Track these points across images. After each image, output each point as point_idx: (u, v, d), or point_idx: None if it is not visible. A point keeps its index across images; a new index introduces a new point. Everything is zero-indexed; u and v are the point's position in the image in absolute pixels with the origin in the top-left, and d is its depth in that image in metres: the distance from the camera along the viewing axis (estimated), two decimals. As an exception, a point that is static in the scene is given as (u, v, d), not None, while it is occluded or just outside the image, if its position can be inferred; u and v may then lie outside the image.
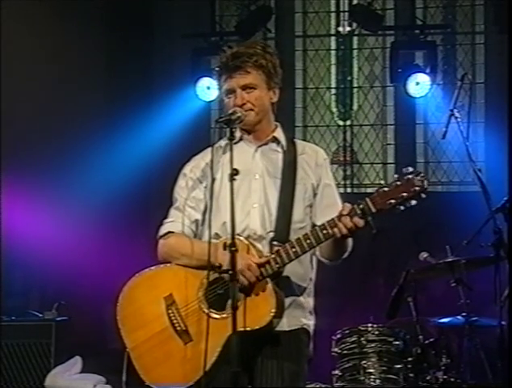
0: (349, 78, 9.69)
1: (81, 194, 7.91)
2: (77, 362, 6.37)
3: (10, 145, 7.31)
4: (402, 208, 3.28)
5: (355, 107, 9.76)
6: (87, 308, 7.66)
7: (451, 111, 5.03)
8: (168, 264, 3.59)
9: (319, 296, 3.69)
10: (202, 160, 3.68)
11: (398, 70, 8.62)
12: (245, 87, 3.57)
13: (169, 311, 3.50)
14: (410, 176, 3.27)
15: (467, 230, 5.18)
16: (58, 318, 6.68)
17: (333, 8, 9.77)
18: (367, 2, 9.11)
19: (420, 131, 9.57)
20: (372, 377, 5.17)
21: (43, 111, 7.83)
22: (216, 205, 3.51)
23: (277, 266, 3.39)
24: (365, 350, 5.22)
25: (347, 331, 5.31)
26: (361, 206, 3.30)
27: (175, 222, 3.64)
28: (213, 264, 3.38)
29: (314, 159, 3.66)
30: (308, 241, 3.37)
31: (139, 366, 3.52)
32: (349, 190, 9.49)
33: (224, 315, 3.38)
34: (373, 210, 3.29)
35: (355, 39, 9.74)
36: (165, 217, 3.70)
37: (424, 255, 5.48)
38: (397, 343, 5.24)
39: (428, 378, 5.19)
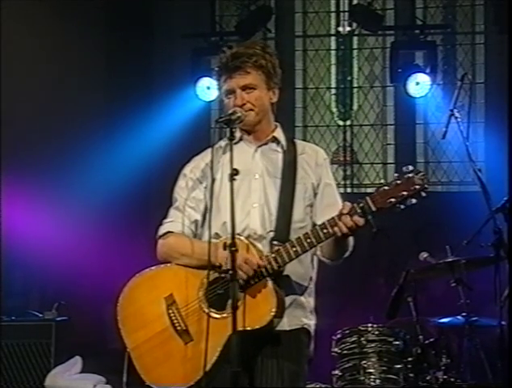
0: (349, 78, 9.69)
1: (81, 194, 7.91)
2: (77, 362, 6.36)
3: (10, 145, 7.31)
4: (402, 206, 3.28)
5: (355, 107, 9.75)
6: (87, 308, 7.66)
7: (451, 111, 5.02)
8: (168, 264, 3.59)
9: (319, 295, 3.69)
10: (202, 160, 3.68)
11: (398, 70, 8.62)
12: (244, 88, 3.57)
13: (170, 311, 3.49)
14: (410, 175, 3.27)
15: (467, 230, 5.18)
16: (58, 318, 6.68)
17: (333, 8, 9.77)
18: (367, 2, 9.12)
19: (420, 131, 9.57)
20: (372, 377, 5.16)
21: (43, 111, 7.83)
22: (216, 205, 3.51)
23: (277, 265, 3.39)
24: (365, 350, 5.21)
25: (347, 331, 5.31)
26: (361, 205, 3.30)
27: (175, 222, 3.64)
28: (213, 264, 3.38)
29: (314, 159, 3.66)
30: (309, 240, 3.36)
31: (139, 366, 3.52)
32: (349, 190, 9.48)
33: (225, 315, 3.37)
34: (373, 209, 3.28)
35: (355, 39, 9.74)
36: (165, 217, 3.70)
37: (424, 254, 5.47)
38: (397, 343, 5.23)
39: (428, 378, 5.19)
